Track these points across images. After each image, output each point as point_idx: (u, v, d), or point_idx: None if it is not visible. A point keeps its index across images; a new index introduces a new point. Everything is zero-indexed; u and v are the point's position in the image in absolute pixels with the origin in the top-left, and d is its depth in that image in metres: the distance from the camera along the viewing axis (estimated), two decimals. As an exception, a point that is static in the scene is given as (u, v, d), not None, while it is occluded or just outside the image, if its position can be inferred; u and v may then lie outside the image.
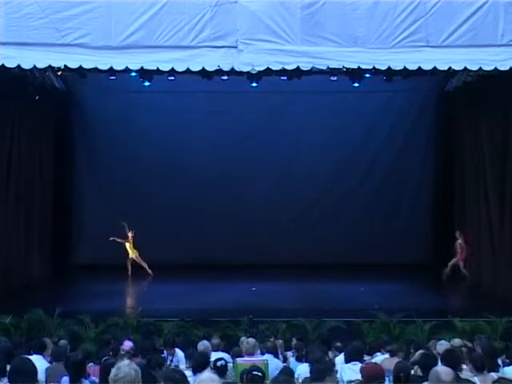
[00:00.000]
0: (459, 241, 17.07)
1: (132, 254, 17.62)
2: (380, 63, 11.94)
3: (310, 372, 5.61)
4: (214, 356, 8.28)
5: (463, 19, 11.62)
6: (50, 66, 12.28)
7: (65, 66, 11.95)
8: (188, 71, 12.45)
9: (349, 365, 7.25)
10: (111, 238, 17.05)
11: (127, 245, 17.56)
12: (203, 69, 12.01)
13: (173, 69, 12.05)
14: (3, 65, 11.61)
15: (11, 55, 11.65)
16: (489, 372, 6.72)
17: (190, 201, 18.81)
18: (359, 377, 6.32)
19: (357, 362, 7.24)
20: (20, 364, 4.77)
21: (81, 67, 12.05)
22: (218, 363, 6.80)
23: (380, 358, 8.60)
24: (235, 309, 13.10)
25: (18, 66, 11.88)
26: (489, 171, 15.83)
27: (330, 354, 8.94)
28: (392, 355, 8.20)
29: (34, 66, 11.99)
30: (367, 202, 19.27)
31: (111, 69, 12.29)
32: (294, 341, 10.18)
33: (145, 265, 17.49)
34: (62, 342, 9.48)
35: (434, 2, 11.67)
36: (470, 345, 9.27)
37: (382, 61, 11.87)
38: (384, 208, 19.22)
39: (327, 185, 19.35)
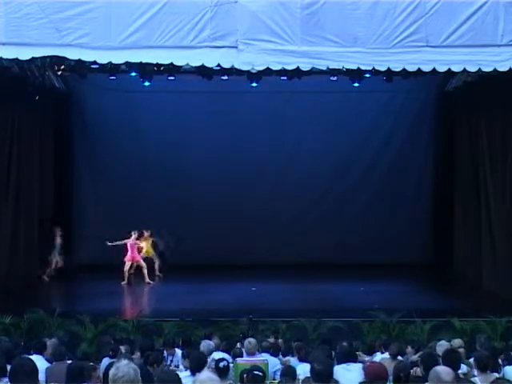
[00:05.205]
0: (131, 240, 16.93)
1: (147, 252, 17.52)
2: (380, 64, 11.94)
3: (310, 372, 5.61)
4: (214, 356, 8.28)
5: (463, 19, 11.60)
6: (48, 57, 12.24)
7: (64, 57, 11.90)
8: (187, 67, 12.48)
9: (343, 365, 7.20)
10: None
11: (144, 244, 17.47)
12: (203, 65, 11.98)
13: (172, 64, 12.02)
14: (1, 58, 11.60)
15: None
16: (491, 372, 6.73)
17: (189, 200, 18.82)
18: (353, 377, 6.34)
19: (350, 363, 7.23)
20: (21, 364, 4.76)
21: (80, 60, 12.03)
22: (221, 364, 6.76)
23: (379, 357, 8.62)
24: (235, 309, 13.11)
25: (17, 59, 11.86)
26: (489, 171, 15.83)
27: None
28: (394, 358, 8.20)
29: (32, 58, 11.87)
30: (367, 201, 19.28)
31: (110, 64, 12.30)
32: (293, 342, 10.18)
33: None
34: (53, 340, 9.44)
35: (434, 1, 11.66)
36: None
37: (381, 61, 11.86)
38: (384, 208, 19.22)
39: (327, 184, 19.36)
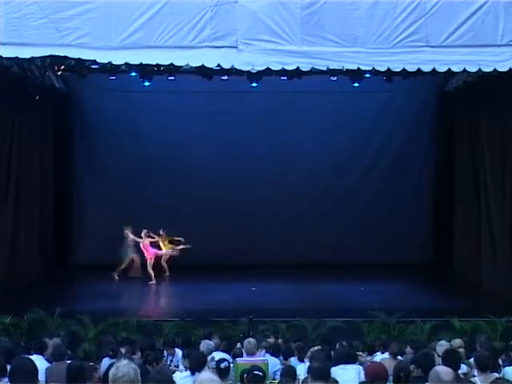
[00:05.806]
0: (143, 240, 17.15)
1: (164, 248, 17.51)
2: (380, 64, 11.94)
3: (308, 370, 5.61)
4: (214, 356, 8.27)
5: (463, 19, 11.59)
6: (48, 57, 12.25)
7: (64, 57, 11.91)
8: (187, 67, 12.49)
9: (341, 366, 7.18)
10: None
11: (161, 243, 17.49)
12: (203, 66, 11.98)
13: (172, 64, 12.02)
14: (1, 57, 11.61)
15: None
16: (491, 372, 6.73)
17: (189, 200, 18.81)
18: (351, 377, 6.33)
19: (347, 364, 7.22)
20: (20, 364, 4.76)
21: (80, 60, 12.06)
22: (222, 365, 6.76)
23: (379, 357, 8.61)
24: (235, 309, 13.11)
25: (17, 58, 11.87)
26: (489, 171, 15.84)
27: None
28: (394, 358, 8.20)
29: (32, 57, 11.89)
30: (367, 201, 19.28)
31: (110, 64, 12.31)
32: (293, 342, 10.18)
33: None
34: (56, 340, 9.43)
35: (434, 1, 11.65)
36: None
37: (381, 61, 11.86)
38: (384, 208, 19.22)
39: (327, 184, 19.36)
